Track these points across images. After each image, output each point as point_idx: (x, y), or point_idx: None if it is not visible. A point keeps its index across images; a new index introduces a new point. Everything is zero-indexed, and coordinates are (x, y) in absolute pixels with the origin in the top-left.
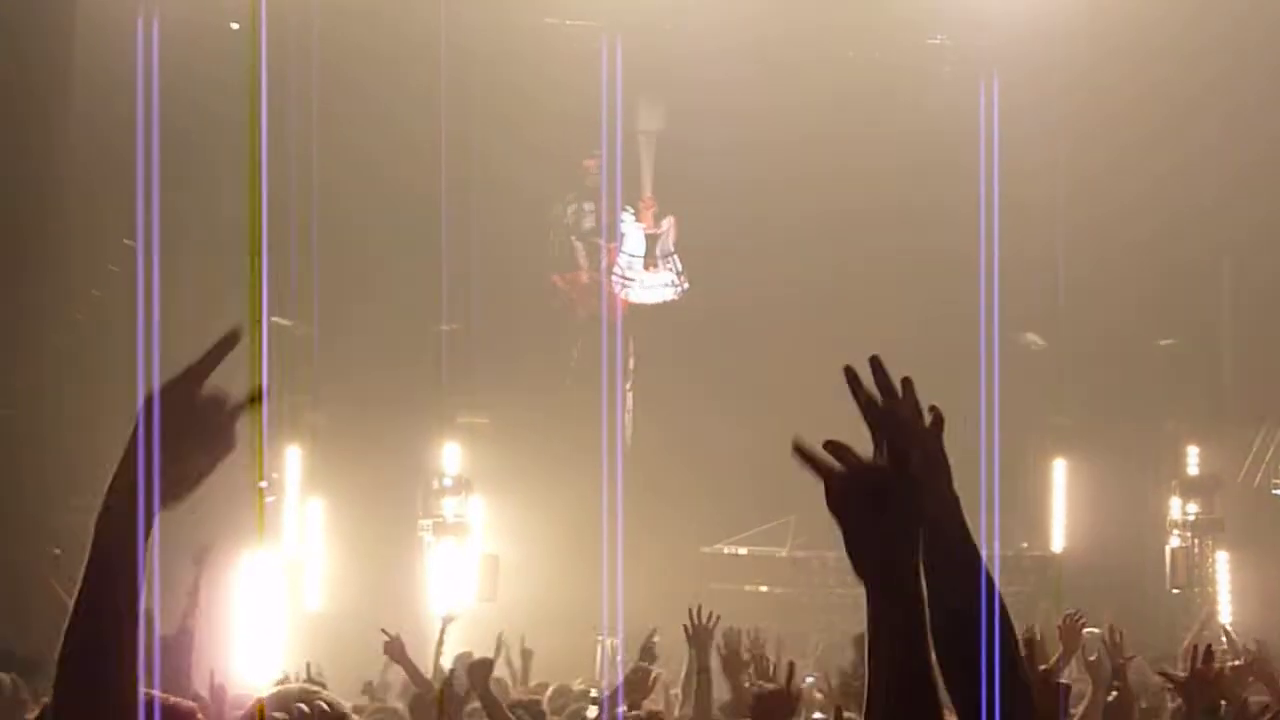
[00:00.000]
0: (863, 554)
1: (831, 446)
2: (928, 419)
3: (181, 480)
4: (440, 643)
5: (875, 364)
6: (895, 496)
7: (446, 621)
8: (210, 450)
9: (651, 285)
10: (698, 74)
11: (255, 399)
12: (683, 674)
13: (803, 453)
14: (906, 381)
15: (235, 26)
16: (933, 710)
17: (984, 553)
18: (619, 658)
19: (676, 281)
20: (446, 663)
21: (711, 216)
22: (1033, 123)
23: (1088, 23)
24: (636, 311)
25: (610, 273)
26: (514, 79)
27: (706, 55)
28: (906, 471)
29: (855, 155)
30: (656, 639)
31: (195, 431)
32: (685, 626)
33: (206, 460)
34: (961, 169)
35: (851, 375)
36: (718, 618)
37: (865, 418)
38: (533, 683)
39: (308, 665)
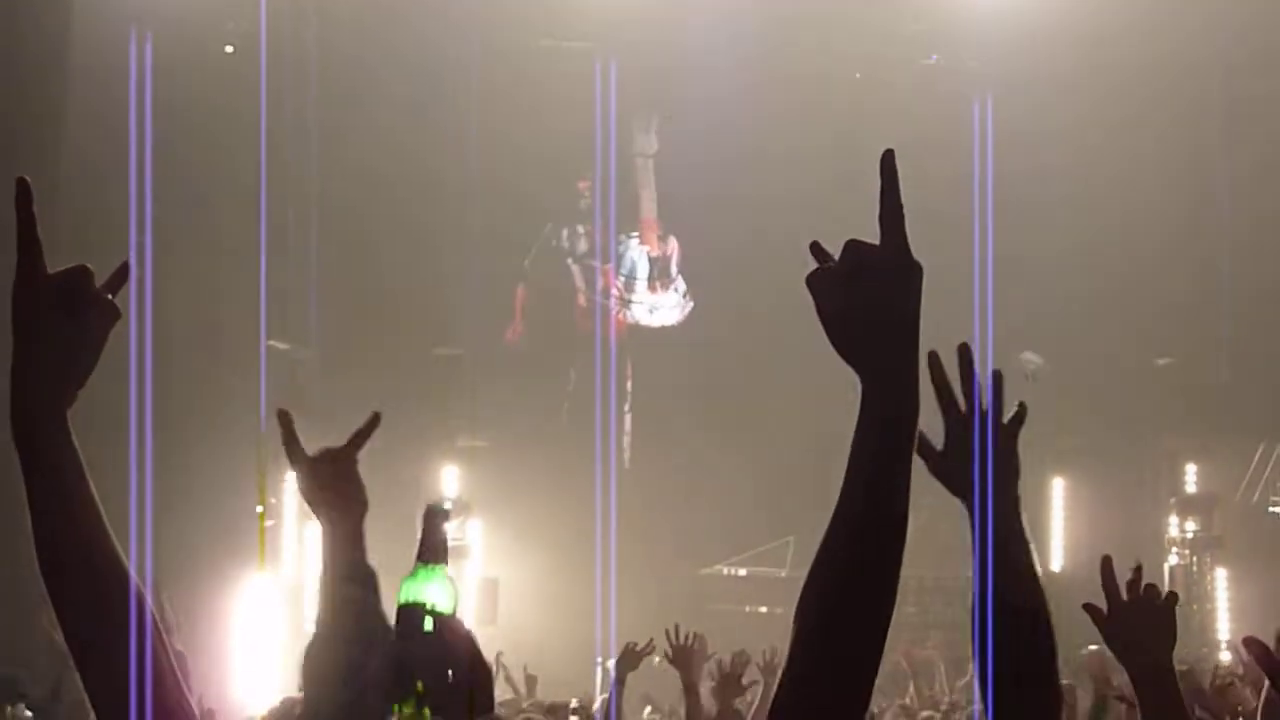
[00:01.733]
0: (845, 332)
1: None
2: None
3: (71, 363)
4: None
5: (964, 352)
6: (890, 271)
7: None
8: (86, 321)
9: (659, 306)
10: (694, 95)
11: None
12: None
13: (816, 250)
14: (998, 375)
15: (230, 49)
16: (899, 516)
17: (977, 572)
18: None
19: (682, 302)
20: None
21: (709, 237)
22: (1029, 142)
23: (1081, 39)
24: (635, 333)
25: (606, 294)
26: (512, 102)
27: (702, 78)
28: (905, 250)
29: (852, 175)
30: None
31: (60, 309)
32: (665, 652)
33: (89, 332)
34: (958, 188)
35: (935, 361)
36: (696, 636)
37: (942, 403)
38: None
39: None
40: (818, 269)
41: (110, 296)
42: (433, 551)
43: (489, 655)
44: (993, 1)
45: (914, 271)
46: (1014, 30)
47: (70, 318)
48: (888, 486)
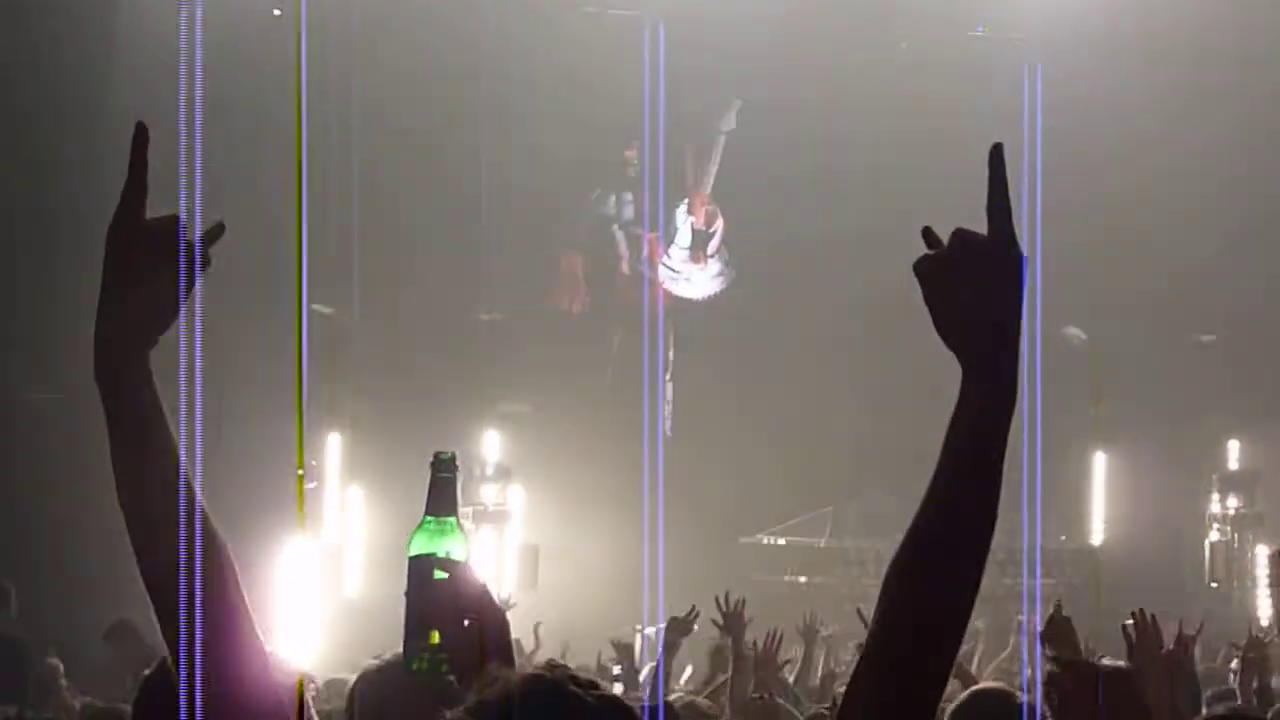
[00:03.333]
0: (951, 318)
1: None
2: None
3: (160, 306)
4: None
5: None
6: (997, 263)
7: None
8: (176, 268)
9: (699, 280)
10: (743, 69)
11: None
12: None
13: (928, 235)
14: None
15: (277, 13)
16: (991, 502)
17: (1025, 542)
18: (660, 648)
19: (717, 278)
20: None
21: (755, 209)
22: (1077, 112)
23: (1133, 7)
24: (678, 302)
25: (659, 263)
26: (558, 69)
27: (750, 51)
28: (1012, 242)
29: (899, 149)
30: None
31: (155, 254)
32: (714, 620)
33: (177, 278)
34: (1008, 159)
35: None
36: (743, 601)
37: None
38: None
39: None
40: (926, 255)
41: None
42: (441, 504)
43: (528, 622)
44: None
45: (1019, 262)
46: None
47: (163, 262)
48: (981, 472)
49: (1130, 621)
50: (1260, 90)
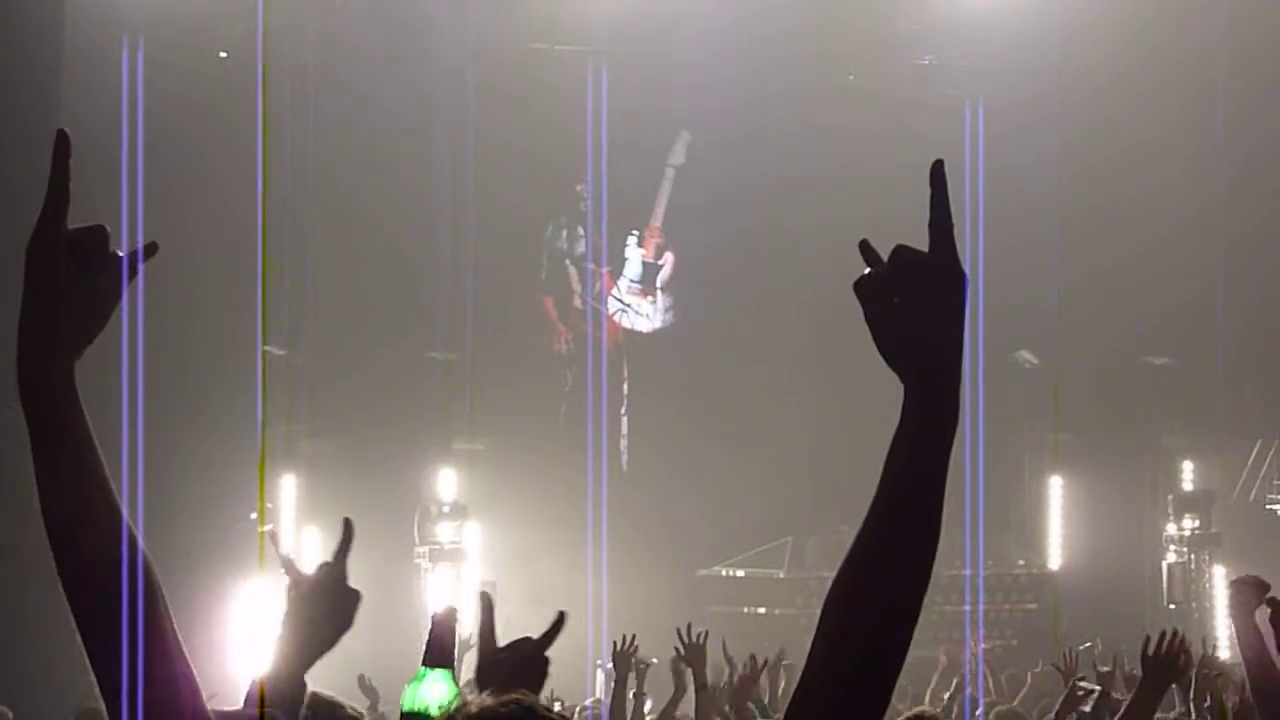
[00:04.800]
0: (891, 335)
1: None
2: None
3: (84, 317)
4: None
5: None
6: (938, 280)
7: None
8: (100, 279)
9: (648, 313)
10: (690, 100)
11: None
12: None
13: (865, 250)
14: None
15: (224, 55)
16: (934, 519)
17: (968, 571)
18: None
19: (660, 314)
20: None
21: (705, 240)
22: (1024, 139)
23: (1075, 35)
24: (632, 337)
25: (608, 296)
26: (508, 107)
27: (696, 82)
28: (952, 257)
29: (849, 181)
30: (653, 660)
31: (78, 264)
32: (677, 648)
33: (102, 289)
34: (954, 188)
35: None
36: (706, 634)
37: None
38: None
39: (360, 677)
40: (866, 274)
41: (124, 260)
42: (438, 655)
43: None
44: (986, 2)
45: (960, 279)
46: (1007, 29)
47: (85, 273)
48: (925, 489)
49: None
50: (1214, 115)
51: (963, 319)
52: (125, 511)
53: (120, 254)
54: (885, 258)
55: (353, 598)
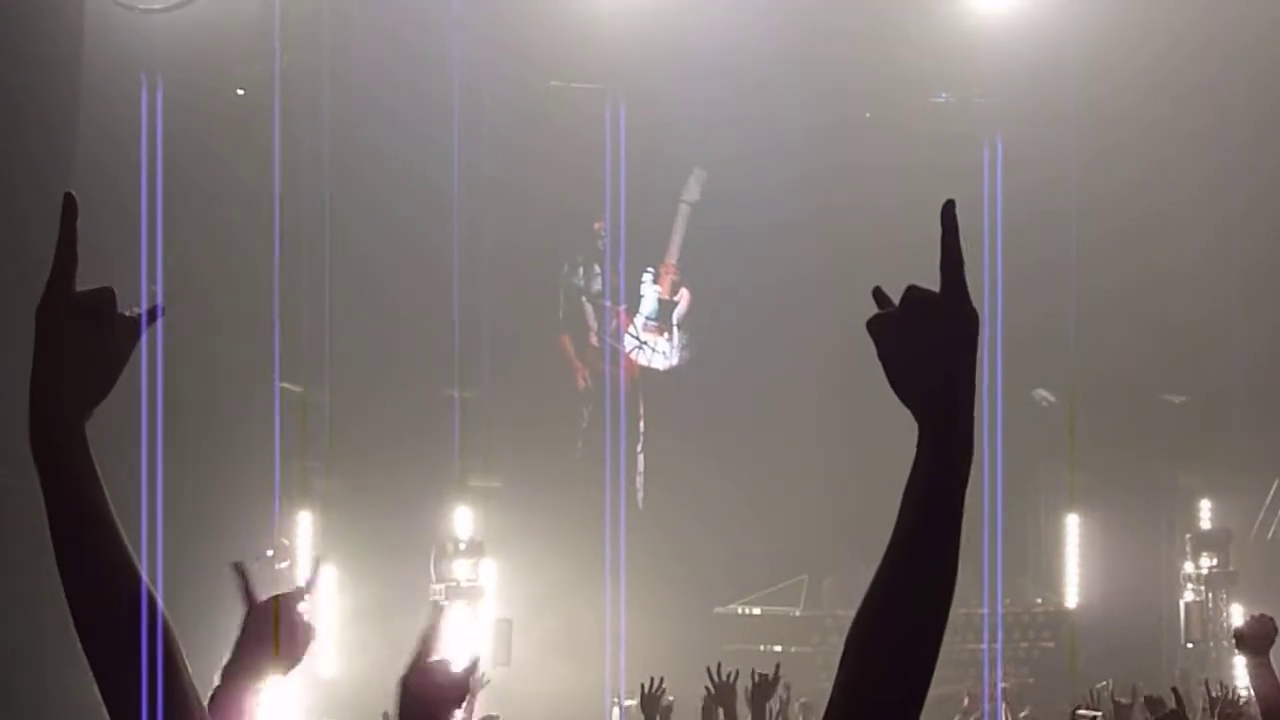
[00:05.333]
0: (905, 374)
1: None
2: None
3: (94, 379)
4: (473, 702)
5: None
6: (949, 319)
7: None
8: (109, 338)
9: (664, 350)
10: (707, 137)
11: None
12: None
13: (879, 296)
14: None
15: (241, 93)
16: (951, 557)
17: (986, 608)
18: None
19: (675, 352)
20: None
21: (724, 280)
22: (1041, 177)
23: (1091, 72)
24: (648, 374)
25: (625, 333)
26: (526, 144)
27: (712, 118)
28: (964, 297)
29: (866, 218)
30: (670, 698)
31: (88, 326)
32: (708, 687)
33: (111, 349)
34: (972, 225)
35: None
36: (737, 673)
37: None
38: None
39: (384, 715)
40: (879, 313)
41: (133, 321)
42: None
43: (505, 698)
44: (1000, 35)
45: (971, 318)
46: (1022, 65)
47: (94, 333)
48: (941, 524)
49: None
50: (1228, 146)
51: (974, 357)
52: (144, 558)
53: (128, 315)
54: (899, 297)
55: (305, 631)
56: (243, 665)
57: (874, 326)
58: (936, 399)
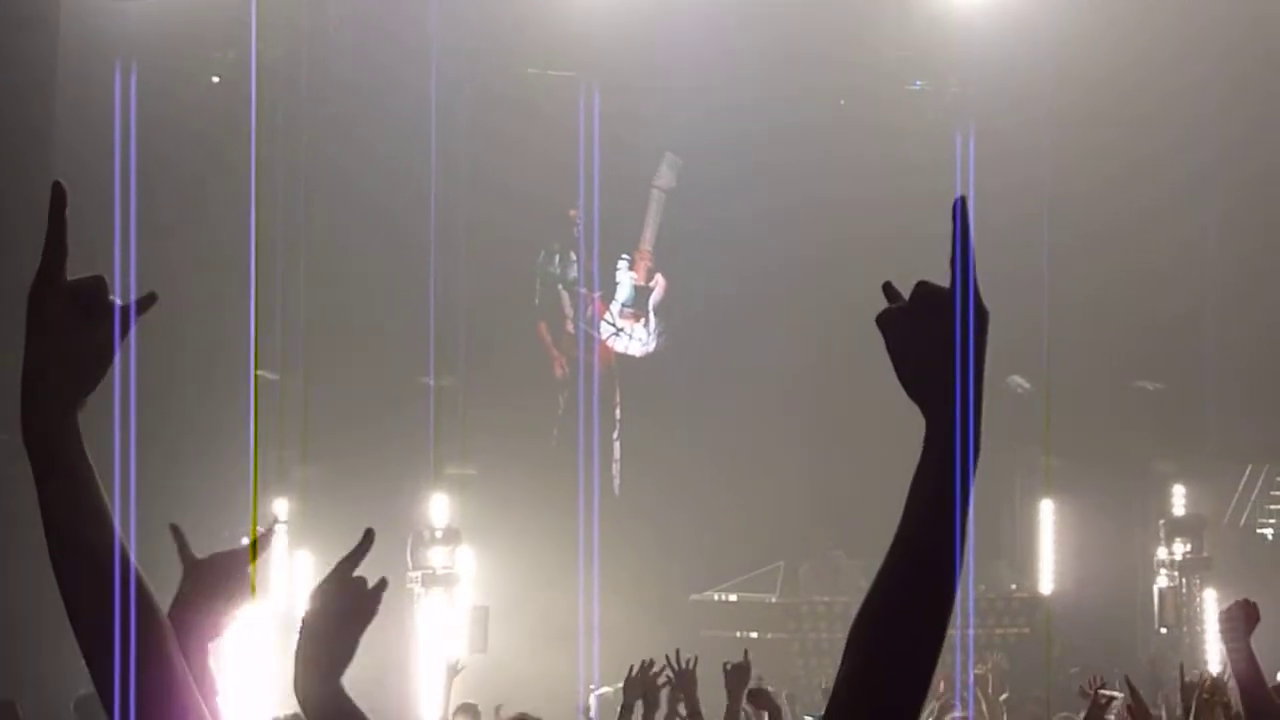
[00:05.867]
0: (913, 369)
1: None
2: None
3: (85, 366)
4: (449, 689)
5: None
6: (960, 312)
7: (454, 670)
8: (101, 326)
9: (639, 336)
10: (682, 124)
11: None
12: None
13: (889, 291)
14: None
15: (216, 80)
16: (955, 552)
17: (959, 593)
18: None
19: (651, 338)
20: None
21: (700, 265)
22: (1014, 164)
23: (1067, 60)
24: (624, 361)
25: (601, 320)
26: (502, 131)
27: (688, 105)
28: (977, 295)
29: (842, 206)
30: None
31: (79, 314)
32: (668, 674)
33: (103, 337)
34: (944, 214)
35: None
36: (695, 659)
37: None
38: None
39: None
40: (888, 308)
41: (124, 310)
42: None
43: (482, 683)
44: (978, 26)
45: (982, 315)
46: (1000, 54)
47: (85, 322)
48: (944, 522)
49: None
50: (1208, 144)
51: (983, 354)
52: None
53: (119, 303)
54: (884, 282)
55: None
56: (178, 624)
57: (883, 321)
58: (946, 397)
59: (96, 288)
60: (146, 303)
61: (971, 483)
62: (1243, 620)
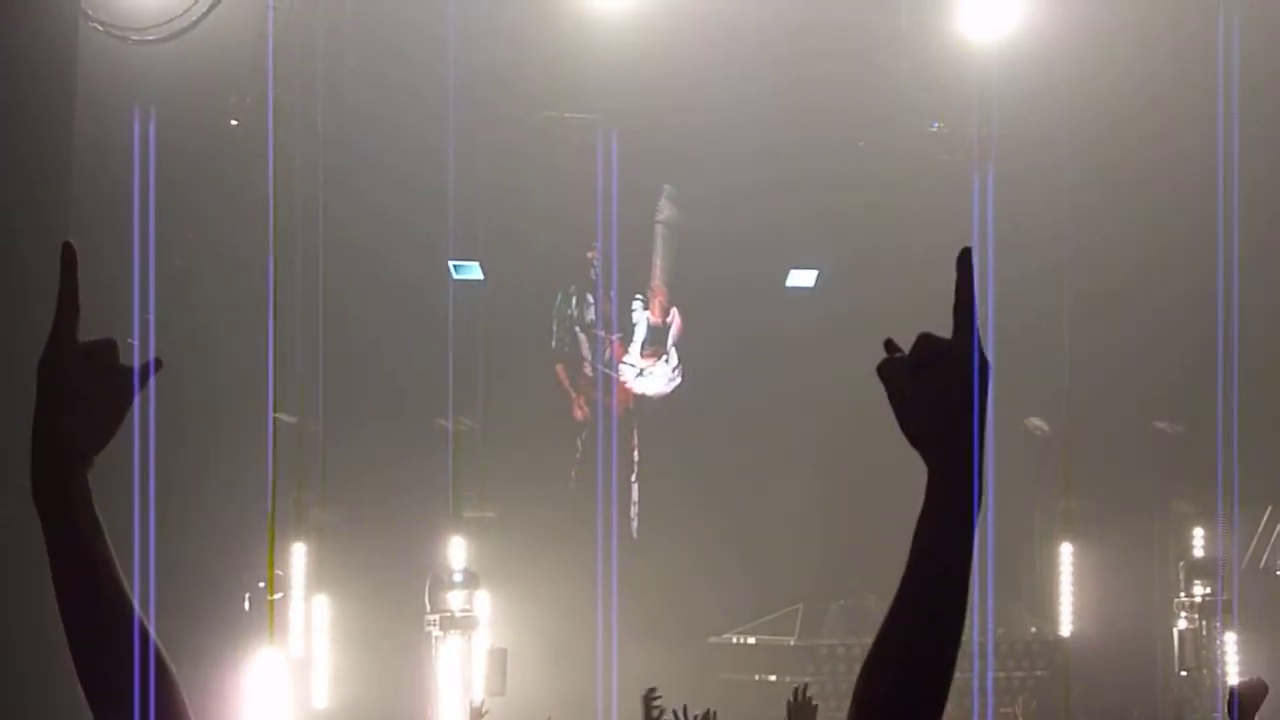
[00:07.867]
0: (914, 419)
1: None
2: None
3: (95, 428)
4: None
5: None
6: (960, 367)
7: (478, 713)
8: (111, 388)
9: (657, 375)
10: (699, 165)
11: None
12: None
13: (889, 347)
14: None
15: (235, 123)
16: (960, 603)
17: (977, 637)
18: None
19: (670, 375)
20: None
21: (718, 305)
22: (1033, 206)
23: (1085, 102)
24: (642, 404)
25: (620, 361)
26: (519, 175)
27: (706, 147)
28: (978, 346)
29: (859, 248)
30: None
31: (90, 377)
32: None
33: (112, 398)
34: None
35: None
36: (714, 713)
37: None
38: None
39: None
40: (888, 358)
41: (136, 374)
42: None
43: None
44: (996, 68)
45: (983, 367)
46: (1018, 95)
47: (96, 382)
48: (948, 573)
49: None
50: (1232, 185)
51: (984, 404)
52: (136, 590)
53: (130, 366)
54: (885, 340)
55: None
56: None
57: (885, 371)
58: (947, 446)
59: (108, 351)
60: (156, 366)
61: (974, 532)
62: (1254, 698)
